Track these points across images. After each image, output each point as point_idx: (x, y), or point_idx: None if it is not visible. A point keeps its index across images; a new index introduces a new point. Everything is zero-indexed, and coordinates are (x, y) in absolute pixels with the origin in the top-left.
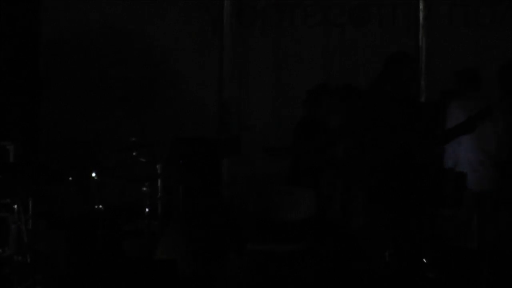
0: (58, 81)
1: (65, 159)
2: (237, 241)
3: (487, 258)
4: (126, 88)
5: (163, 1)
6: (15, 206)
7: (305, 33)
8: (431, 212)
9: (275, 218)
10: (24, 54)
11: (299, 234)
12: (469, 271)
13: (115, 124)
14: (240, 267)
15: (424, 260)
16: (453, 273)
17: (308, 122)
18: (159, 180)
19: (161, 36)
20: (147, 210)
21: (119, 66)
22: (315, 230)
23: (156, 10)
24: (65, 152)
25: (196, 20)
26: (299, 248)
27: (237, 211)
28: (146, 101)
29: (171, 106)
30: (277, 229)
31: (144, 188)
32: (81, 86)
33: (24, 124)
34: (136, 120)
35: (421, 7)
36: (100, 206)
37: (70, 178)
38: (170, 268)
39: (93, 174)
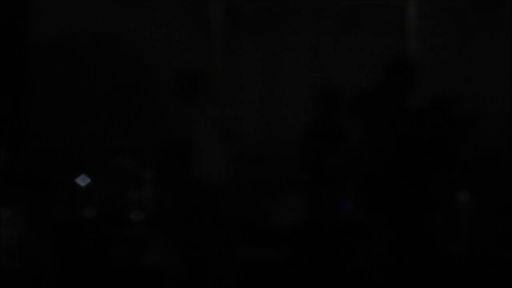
0: (45, 86)
1: (53, 164)
2: (226, 246)
3: (478, 263)
4: (114, 93)
5: (150, 6)
6: (4, 211)
7: (294, 38)
8: (423, 217)
9: (264, 224)
10: (11, 58)
11: (288, 240)
12: (460, 275)
13: (103, 129)
14: (229, 272)
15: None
16: (444, 278)
17: (320, 125)
18: (147, 186)
19: (149, 40)
20: (135, 216)
21: (107, 71)
22: (305, 236)
23: (143, 15)
24: (53, 158)
25: (184, 24)
26: (288, 254)
27: (226, 217)
28: (134, 106)
29: (159, 111)
30: (266, 235)
31: (132, 194)
32: (69, 91)
33: (12, 129)
34: (124, 125)
35: (411, 13)
36: (88, 212)
37: (58, 184)
38: (158, 274)
39: (81, 180)
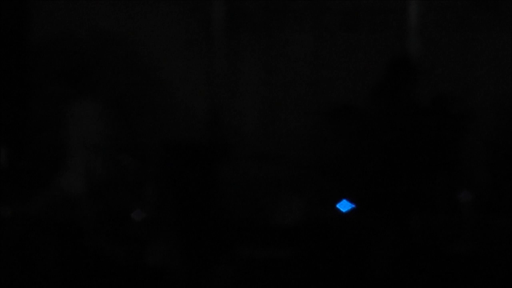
0: (46, 85)
1: (53, 163)
2: (228, 246)
3: (478, 263)
4: (114, 93)
5: (151, 6)
6: (4, 211)
7: (295, 38)
8: (424, 217)
9: (265, 223)
10: (11, 57)
11: (290, 240)
12: (461, 275)
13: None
14: (230, 273)
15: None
16: (444, 278)
17: None
18: (148, 186)
19: (150, 40)
20: (136, 215)
21: (107, 71)
22: (306, 236)
23: (144, 15)
24: (53, 157)
25: (185, 24)
26: (289, 254)
27: (228, 217)
28: (134, 106)
29: (159, 111)
30: (267, 235)
31: (133, 194)
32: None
33: (12, 128)
34: (124, 125)
35: (412, 12)
36: (88, 212)
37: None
38: (159, 274)
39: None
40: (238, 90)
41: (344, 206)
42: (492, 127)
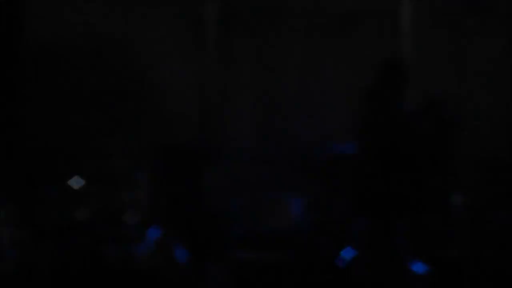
0: (39, 88)
1: (46, 166)
2: (221, 249)
3: (470, 266)
4: (108, 95)
5: (144, 8)
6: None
7: (290, 41)
8: (416, 219)
9: (259, 226)
10: (5, 59)
11: (284, 243)
12: (455, 278)
13: (96, 130)
14: (224, 275)
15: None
16: (437, 280)
17: None
18: (141, 188)
19: (143, 43)
20: (129, 218)
21: (101, 73)
22: (300, 239)
23: (137, 18)
24: (46, 159)
25: (178, 27)
26: (284, 257)
27: (221, 219)
28: (127, 108)
29: (152, 114)
30: (261, 237)
31: (126, 196)
32: (62, 93)
33: (4, 130)
34: (118, 127)
35: (406, 16)
36: (82, 214)
37: (52, 185)
38: (153, 277)
39: (74, 181)
40: (232, 93)
41: (348, 253)
42: (484, 132)
